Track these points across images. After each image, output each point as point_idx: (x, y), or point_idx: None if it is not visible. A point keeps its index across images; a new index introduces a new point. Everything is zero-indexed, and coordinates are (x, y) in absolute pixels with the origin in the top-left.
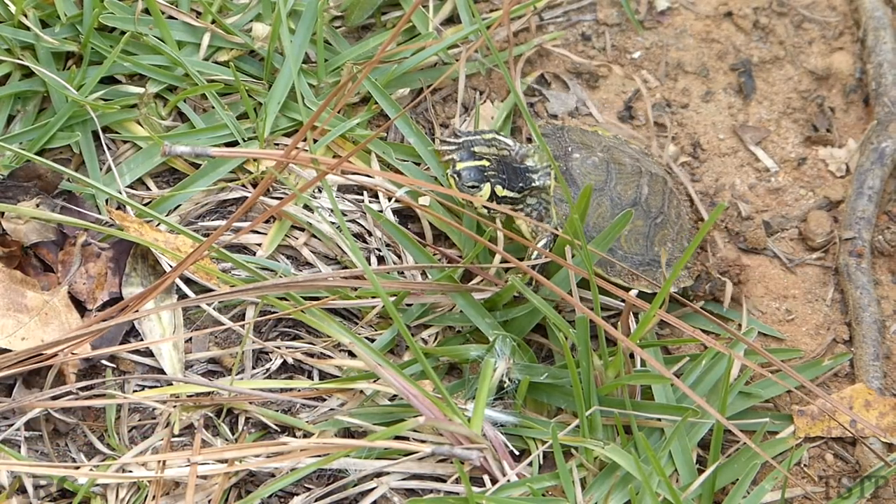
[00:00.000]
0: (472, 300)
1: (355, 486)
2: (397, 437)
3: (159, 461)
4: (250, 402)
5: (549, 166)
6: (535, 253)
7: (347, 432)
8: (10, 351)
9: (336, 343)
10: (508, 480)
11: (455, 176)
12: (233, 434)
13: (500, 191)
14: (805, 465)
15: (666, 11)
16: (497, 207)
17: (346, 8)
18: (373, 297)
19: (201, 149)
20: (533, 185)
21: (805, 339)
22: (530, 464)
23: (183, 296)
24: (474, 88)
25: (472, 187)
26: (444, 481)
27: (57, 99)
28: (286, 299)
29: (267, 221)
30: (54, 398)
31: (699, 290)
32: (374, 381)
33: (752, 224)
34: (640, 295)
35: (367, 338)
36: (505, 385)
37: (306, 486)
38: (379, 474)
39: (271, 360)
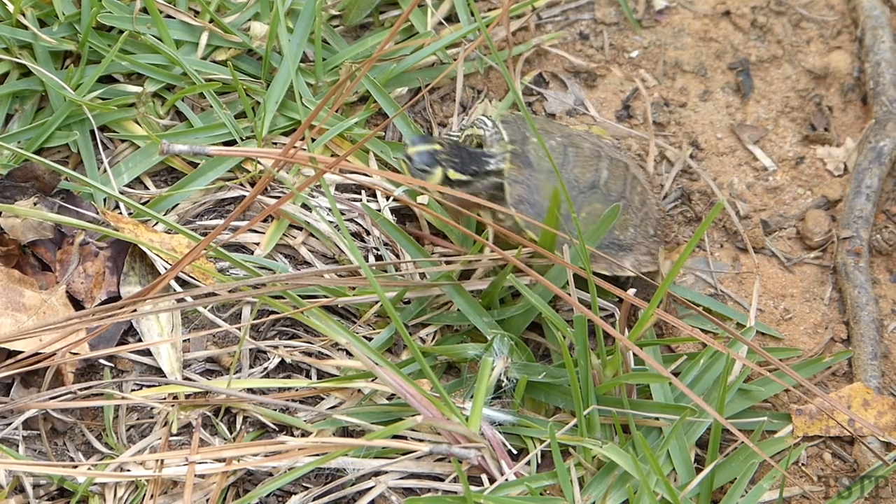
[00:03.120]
0: (469, 299)
1: (353, 485)
2: (395, 437)
3: (157, 460)
4: (248, 402)
5: (507, 151)
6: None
7: (345, 431)
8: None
9: (334, 342)
10: (506, 479)
11: (406, 160)
12: (231, 433)
13: (452, 174)
14: (803, 465)
15: (664, 10)
16: (453, 192)
17: (343, 7)
18: (372, 298)
19: (199, 147)
20: (488, 168)
21: (803, 338)
22: (528, 463)
23: (181, 298)
24: (472, 87)
25: (423, 171)
26: (443, 480)
27: (55, 98)
28: (283, 298)
29: (265, 220)
30: (52, 398)
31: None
32: (372, 381)
33: (750, 223)
34: (612, 281)
35: (365, 337)
36: (503, 384)
37: (304, 485)
38: (377, 473)
39: (269, 358)
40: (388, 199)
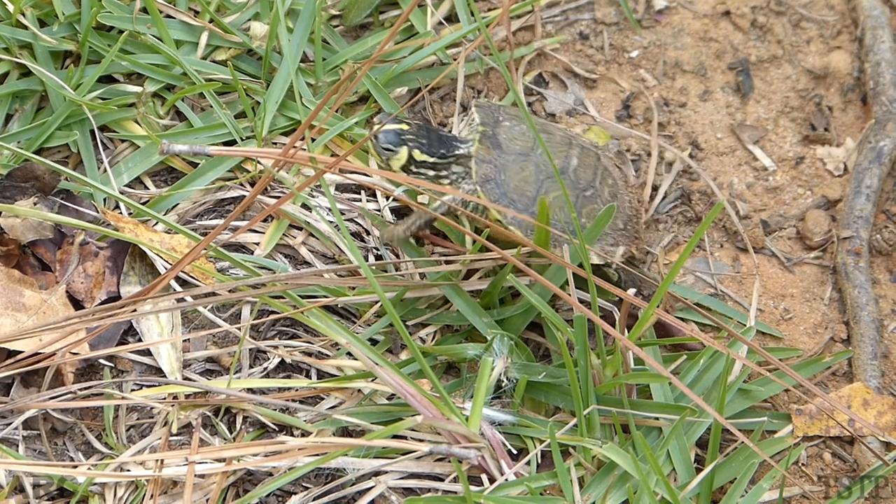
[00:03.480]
0: (468, 299)
1: (353, 485)
2: (395, 436)
3: (157, 460)
4: (248, 402)
5: (477, 132)
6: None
7: (345, 431)
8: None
9: (334, 342)
10: (506, 479)
11: (372, 138)
12: (231, 433)
13: (417, 155)
14: (803, 465)
15: (664, 10)
16: (413, 181)
17: (343, 7)
18: (372, 297)
19: (199, 147)
20: (458, 152)
21: (803, 338)
22: (528, 463)
23: (181, 298)
24: (472, 88)
25: (387, 150)
26: (442, 480)
27: (55, 98)
28: (282, 298)
29: (265, 220)
30: (52, 398)
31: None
32: (372, 381)
33: (750, 223)
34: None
35: (371, 340)
36: (503, 384)
37: (304, 484)
38: (377, 473)
39: (269, 358)
40: (388, 199)
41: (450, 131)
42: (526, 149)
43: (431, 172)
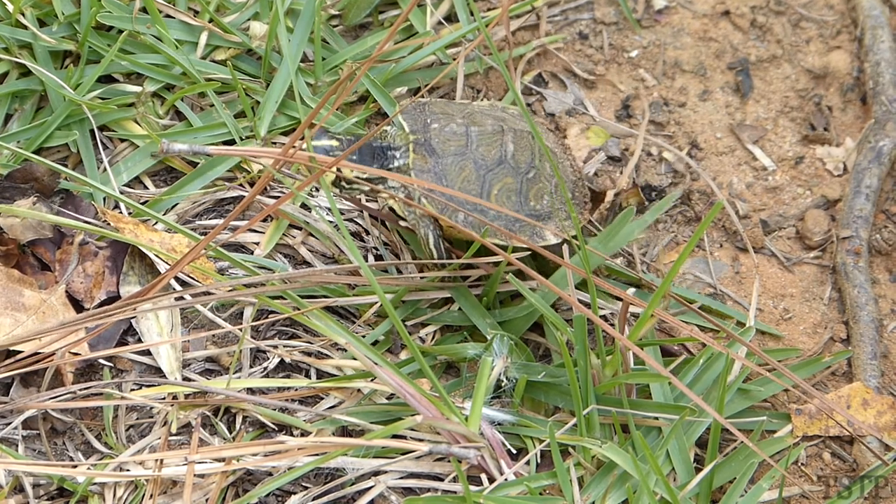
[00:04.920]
0: (472, 299)
1: (352, 484)
2: (395, 436)
3: (157, 460)
4: (248, 402)
5: (409, 142)
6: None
7: (345, 431)
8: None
9: (334, 342)
10: (506, 479)
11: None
12: (230, 433)
13: (348, 173)
14: (803, 464)
15: (663, 10)
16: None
17: (343, 7)
18: (372, 298)
19: (199, 147)
20: (393, 165)
21: (803, 337)
22: (528, 462)
23: (181, 296)
24: (472, 87)
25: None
26: (442, 480)
27: (54, 98)
28: (282, 298)
29: (264, 220)
30: (52, 398)
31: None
32: (372, 380)
33: (749, 223)
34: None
35: (362, 335)
36: (502, 384)
37: (304, 484)
38: (376, 473)
39: (269, 358)
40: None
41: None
42: (461, 148)
43: (367, 187)
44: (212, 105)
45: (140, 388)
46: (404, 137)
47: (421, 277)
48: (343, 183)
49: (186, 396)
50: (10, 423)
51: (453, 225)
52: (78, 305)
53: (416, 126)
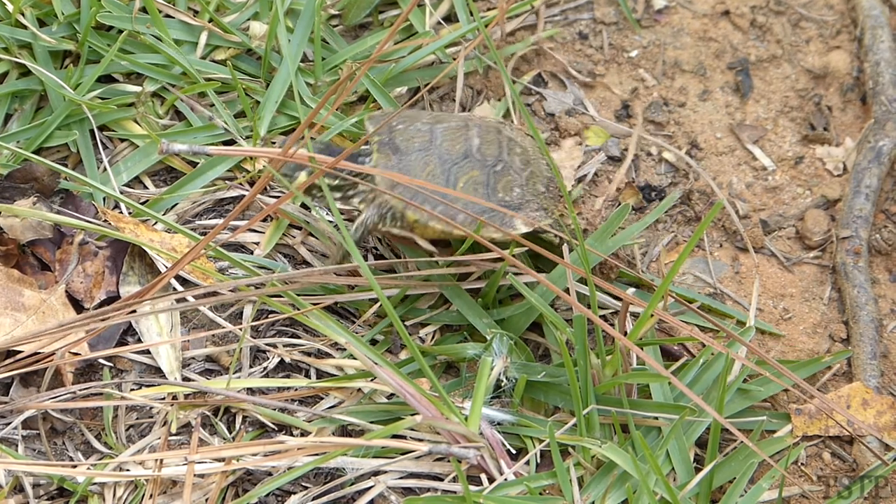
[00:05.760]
0: (468, 299)
1: (352, 484)
2: (394, 436)
3: (156, 460)
4: (247, 402)
5: (373, 143)
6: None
7: (344, 431)
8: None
9: (333, 341)
10: (506, 479)
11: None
12: (230, 433)
13: (319, 180)
14: (802, 464)
15: (663, 10)
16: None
17: (343, 6)
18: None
19: (199, 147)
20: (350, 179)
21: (802, 337)
22: (527, 462)
23: (181, 298)
24: (471, 87)
25: (286, 175)
26: (442, 480)
27: (54, 98)
28: (282, 297)
29: (264, 220)
30: (52, 398)
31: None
32: (372, 380)
33: (749, 223)
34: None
35: (362, 335)
36: (502, 383)
37: (303, 484)
38: (376, 473)
39: (269, 358)
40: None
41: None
42: (425, 143)
43: (338, 194)
44: (212, 105)
45: (140, 387)
46: (371, 140)
47: (408, 277)
48: (314, 191)
49: (186, 396)
50: (9, 423)
51: (417, 218)
52: (78, 305)
53: (383, 130)
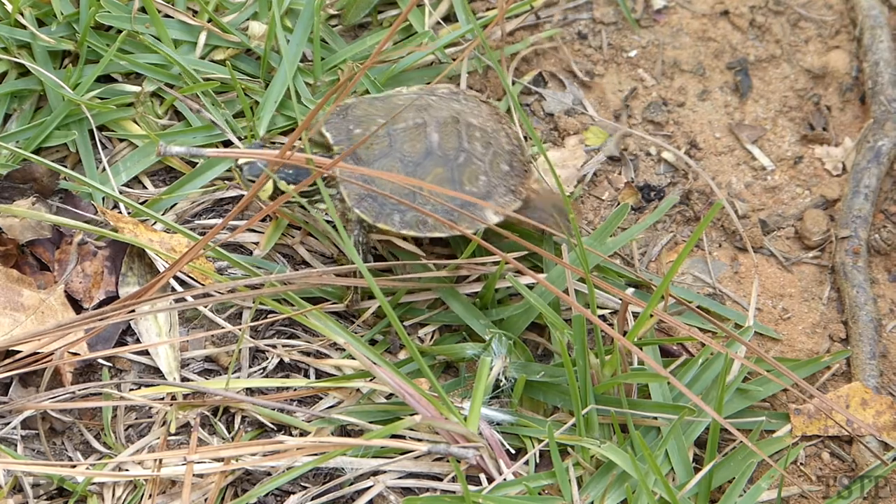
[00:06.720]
0: (464, 301)
1: (351, 484)
2: (393, 436)
3: (156, 460)
4: (247, 402)
5: (334, 154)
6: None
7: (344, 431)
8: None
9: (333, 342)
10: (505, 479)
11: (237, 168)
12: (229, 432)
13: (284, 186)
14: (802, 464)
15: (662, 10)
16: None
17: (342, 7)
18: (370, 298)
19: (197, 149)
20: (325, 175)
21: (801, 337)
22: (527, 462)
23: (180, 298)
24: (471, 87)
25: (251, 181)
26: (441, 480)
27: (53, 98)
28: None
29: (263, 220)
30: (51, 398)
31: (533, 218)
32: (371, 380)
33: (748, 223)
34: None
35: (361, 335)
36: (501, 383)
37: (302, 484)
38: (375, 473)
39: (268, 358)
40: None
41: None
42: (385, 149)
43: (305, 199)
44: (212, 104)
45: (139, 388)
46: (333, 152)
47: (403, 280)
48: (281, 193)
49: (185, 396)
50: (9, 423)
51: (389, 228)
52: (77, 305)
53: (340, 136)
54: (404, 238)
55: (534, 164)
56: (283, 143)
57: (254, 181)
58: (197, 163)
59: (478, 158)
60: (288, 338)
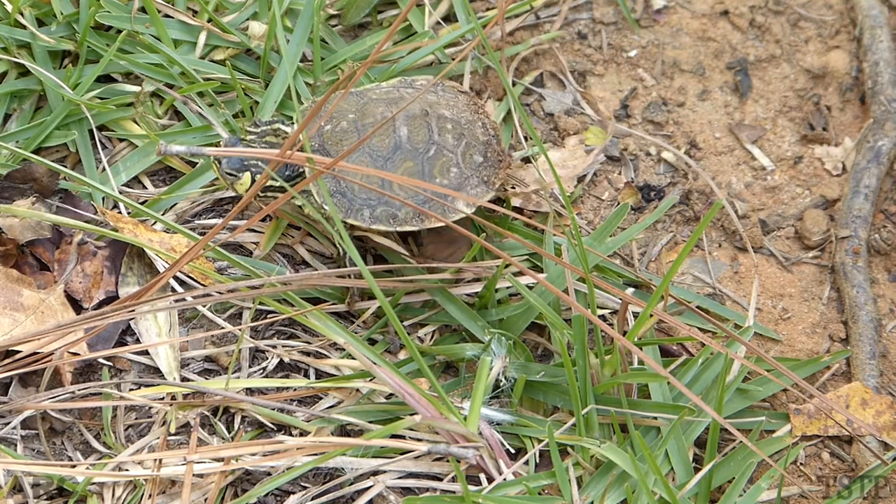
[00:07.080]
0: (460, 304)
1: (351, 484)
2: (393, 436)
3: (156, 460)
4: (246, 402)
5: None
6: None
7: (343, 431)
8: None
9: (333, 341)
10: (505, 479)
11: (215, 162)
12: (229, 433)
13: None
14: (801, 464)
15: (662, 10)
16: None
17: (342, 6)
18: (370, 298)
19: (197, 148)
20: (301, 170)
21: (801, 337)
22: (526, 462)
23: (180, 298)
24: (471, 87)
25: (230, 174)
26: (441, 480)
27: (53, 97)
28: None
29: (263, 220)
30: (51, 398)
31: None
32: (371, 380)
33: (748, 223)
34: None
35: (361, 335)
36: (501, 383)
37: (302, 484)
38: (375, 473)
39: (268, 358)
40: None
41: None
42: (354, 144)
43: (281, 195)
44: (211, 104)
45: (139, 388)
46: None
47: (402, 281)
48: (258, 190)
49: (185, 396)
50: (8, 423)
51: (360, 224)
52: (77, 305)
53: (310, 132)
54: (380, 233)
55: (533, 163)
56: (256, 132)
57: (232, 174)
58: (197, 163)
59: (449, 150)
60: (288, 338)
